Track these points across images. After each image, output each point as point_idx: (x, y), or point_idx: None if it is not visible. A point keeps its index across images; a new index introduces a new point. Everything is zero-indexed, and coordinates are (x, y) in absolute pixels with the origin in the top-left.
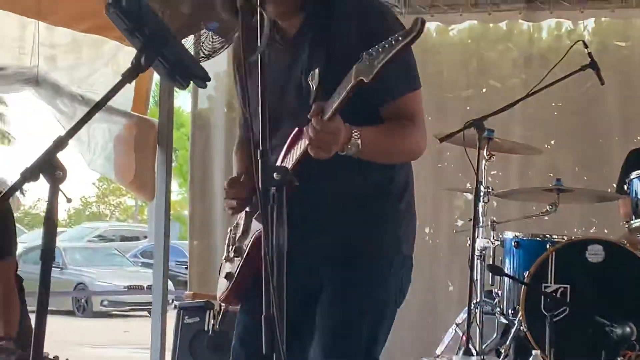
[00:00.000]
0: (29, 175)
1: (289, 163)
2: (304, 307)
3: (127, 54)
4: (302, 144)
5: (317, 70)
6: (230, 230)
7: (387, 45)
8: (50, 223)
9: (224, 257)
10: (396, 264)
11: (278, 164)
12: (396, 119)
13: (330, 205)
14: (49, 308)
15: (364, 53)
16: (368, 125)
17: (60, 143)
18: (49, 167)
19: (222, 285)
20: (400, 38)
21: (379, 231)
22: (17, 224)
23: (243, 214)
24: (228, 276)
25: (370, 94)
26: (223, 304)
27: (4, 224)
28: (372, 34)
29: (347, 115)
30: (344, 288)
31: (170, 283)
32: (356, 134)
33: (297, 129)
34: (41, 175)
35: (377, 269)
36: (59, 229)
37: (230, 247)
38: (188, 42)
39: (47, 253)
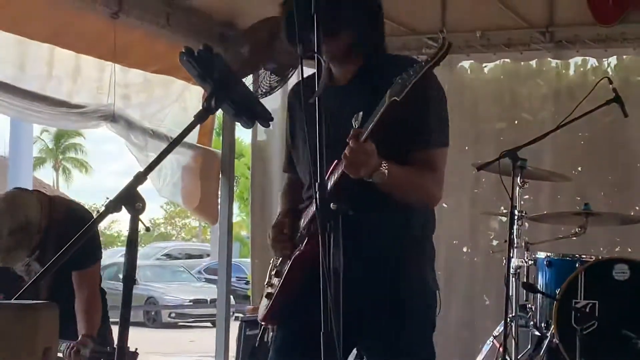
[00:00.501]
0: (113, 206)
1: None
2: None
3: (193, 92)
4: (336, 170)
5: (360, 113)
6: (272, 261)
7: (417, 68)
8: (132, 250)
9: (265, 282)
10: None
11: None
12: (422, 165)
13: (378, 243)
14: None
15: (397, 77)
16: None
17: (140, 178)
18: (130, 199)
19: (263, 305)
20: (428, 59)
21: (420, 269)
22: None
23: None
24: (268, 296)
25: (404, 139)
26: (263, 324)
27: (92, 235)
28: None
29: (380, 155)
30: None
31: (231, 297)
32: (385, 164)
33: (336, 161)
34: (123, 207)
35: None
36: None
37: (272, 271)
38: (247, 81)
39: (129, 277)
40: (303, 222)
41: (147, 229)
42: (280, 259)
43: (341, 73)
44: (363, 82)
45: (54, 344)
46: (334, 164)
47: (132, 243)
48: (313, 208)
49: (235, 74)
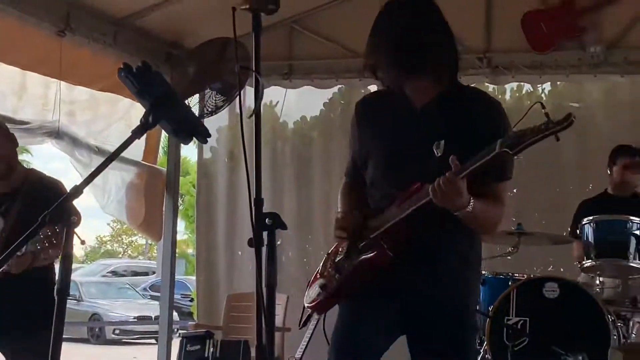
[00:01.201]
0: (48, 220)
1: (407, 206)
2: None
3: (139, 110)
4: (421, 196)
5: (443, 141)
6: (329, 253)
7: (535, 128)
8: (66, 262)
9: (318, 271)
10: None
11: (393, 209)
12: (493, 198)
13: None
14: (66, 336)
15: (511, 133)
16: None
17: (76, 191)
18: (65, 213)
19: (314, 293)
20: (550, 126)
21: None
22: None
23: (345, 245)
24: (323, 287)
25: (483, 172)
26: (309, 310)
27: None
28: (494, 125)
29: None
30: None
31: (175, 314)
32: (471, 203)
33: (418, 184)
34: (58, 220)
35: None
36: (77, 265)
37: (329, 264)
38: (193, 100)
39: (63, 290)
40: (372, 230)
41: (82, 242)
42: (340, 254)
43: (416, 95)
44: (441, 109)
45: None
46: (415, 186)
47: (66, 256)
48: (386, 219)
49: (173, 90)
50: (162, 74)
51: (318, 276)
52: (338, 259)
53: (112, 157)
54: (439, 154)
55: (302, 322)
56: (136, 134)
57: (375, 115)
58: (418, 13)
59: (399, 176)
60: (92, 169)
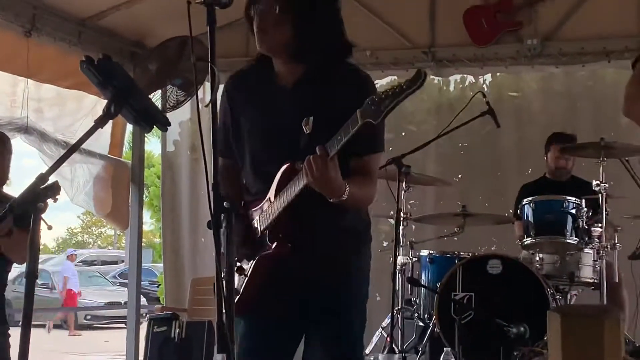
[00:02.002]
0: (17, 206)
1: (288, 194)
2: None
3: (104, 105)
4: (300, 179)
5: (311, 118)
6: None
7: (391, 93)
8: (34, 246)
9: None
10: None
11: (272, 192)
12: (363, 173)
13: (324, 237)
14: (40, 322)
15: (368, 100)
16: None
17: (42, 179)
18: (32, 199)
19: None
20: (404, 87)
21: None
22: None
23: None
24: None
25: (350, 145)
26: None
27: None
28: (359, 97)
29: None
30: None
31: (143, 299)
32: (347, 188)
33: (288, 164)
34: (25, 206)
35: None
36: (48, 255)
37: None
38: (155, 96)
39: (32, 274)
40: (260, 221)
41: (49, 227)
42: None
43: (286, 73)
44: (309, 86)
45: None
46: (286, 167)
47: (34, 241)
48: (268, 206)
49: (134, 81)
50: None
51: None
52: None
53: (76, 145)
54: (308, 131)
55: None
56: (99, 123)
57: (248, 93)
58: None
59: (271, 156)
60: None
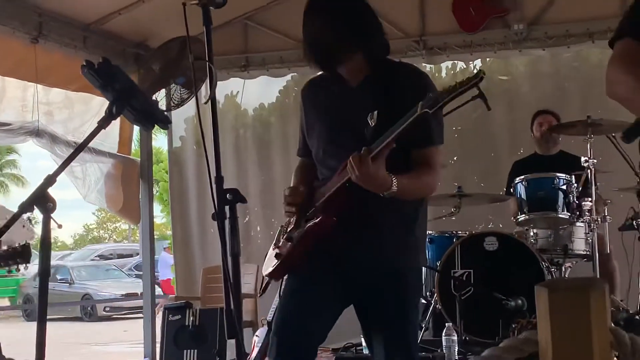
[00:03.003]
0: (26, 207)
1: (342, 178)
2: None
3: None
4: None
5: (375, 112)
6: (282, 226)
7: (451, 88)
8: (45, 245)
9: (273, 243)
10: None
11: (334, 178)
12: (422, 164)
13: (373, 229)
14: (61, 316)
15: (429, 93)
16: (399, 166)
17: (50, 180)
18: (41, 200)
19: (270, 263)
20: (463, 82)
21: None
22: (32, 250)
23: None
24: (277, 256)
25: (410, 139)
26: (267, 278)
27: None
28: (420, 93)
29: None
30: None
31: (158, 289)
32: (395, 182)
33: (355, 153)
34: (35, 207)
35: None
36: (67, 251)
37: (282, 236)
38: (160, 95)
39: (45, 272)
40: (318, 200)
41: (59, 226)
42: (291, 225)
43: (351, 75)
44: (373, 85)
45: None
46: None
47: (45, 240)
48: (328, 188)
49: (133, 82)
50: (129, 72)
51: (273, 247)
52: (289, 229)
53: (82, 146)
54: (373, 124)
55: (262, 290)
56: (102, 124)
57: (317, 96)
58: (335, 8)
59: (339, 149)
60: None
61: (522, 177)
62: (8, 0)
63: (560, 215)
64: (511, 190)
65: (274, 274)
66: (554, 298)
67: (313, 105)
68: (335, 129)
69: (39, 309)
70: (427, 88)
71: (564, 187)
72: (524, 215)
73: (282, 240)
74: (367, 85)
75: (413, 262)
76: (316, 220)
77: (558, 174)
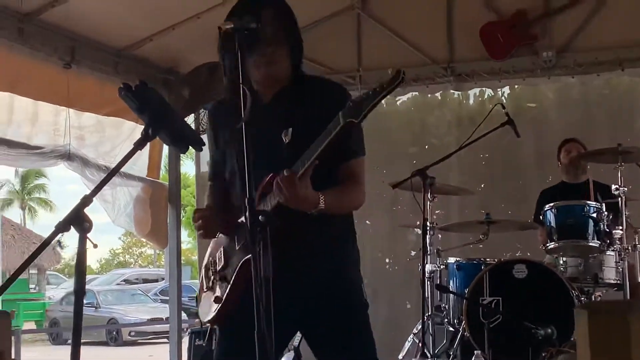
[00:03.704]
0: (62, 227)
1: (267, 206)
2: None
3: (142, 129)
4: (276, 194)
5: (290, 129)
6: (206, 265)
7: (371, 93)
8: (80, 264)
9: (205, 288)
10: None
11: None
12: (347, 178)
13: (304, 252)
14: (87, 340)
15: (348, 102)
16: (323, 182)
17: (86, 201)
18: (77, 220)
19: (210, 309)
20: (384, 86)
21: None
22: (58, 273)
23: (220, 252)
24: (216, 299)
25: (332, 153)
26: (210, 325)
27: None
28: (337, 105)
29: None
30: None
31: (184, 314)
32: (322, 200)
33: (271, 175)
34: (71, 227)
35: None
36: (93, 276)
37: (211, 277)
38: (189, 120)
39: (80, 290)
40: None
41: (95, 246)
42: (221, 264)
43: (263, 91)
44: (286, 100)
45: (7, 349)
46: (269, 178)
47: (81, 259)
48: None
49: (169, 104)
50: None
51: (205, 290)
52: (219, 267)
53: (117, 168)
54: (287, 141)
55: (206, 339)
56: (138, 146)
57: (227, 114)
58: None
59: (255, 171)
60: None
61: (552, 204)
62: (42, 26)
63: (590, 244)
64: (540, 218)
65: (218, 319)
66: (593, 320)
67: (223, 124)
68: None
69: (73, 330)
70: (343, 99)
71: (594, 214)
72: (553, 243)
73: (213, 280)
74: (280, 101)
75: (349, 276)
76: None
77: (588, 202)
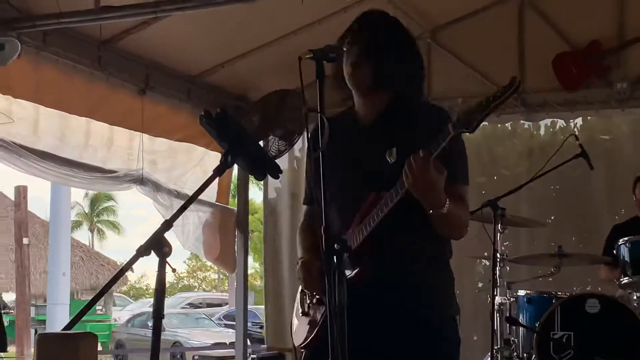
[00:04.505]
0: (144, 251)
1: (370, 223)
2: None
3: (212, 157)
4: (382, 205)
5: (394, 149)
6: (302, 289)
7: (484, 102)
8: (160, 287)
9: (300, 312)
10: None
11: (353, 224)
12: (456, 200)
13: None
14: None
15: (459, 110)
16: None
17: (167, 225)
18: (158, 244)
19: (304, 333)
20: (498, 94)
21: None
22: (124, 295)
23: None
24: (311, 323)
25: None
26: (302, 350)
27: None
28: (442, 124)
29: None
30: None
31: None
32: (448, 202)
33: (374, 194)
34: (152, 252)
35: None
36: None
37: (308, 301)
38: None
39: (159, 311)
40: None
41: (174, 270)
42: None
43: (366, 112)
44: (389, 122)
45: None
46: (372, 198)
47: (161, 282)
48: (354, 233)
49: (247, 132)
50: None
51: (300, 314)
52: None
53: (196, 194)
54: (392, 161)
55: None
56: (217, 172)
57: (330, 137)
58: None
59: (355, 190)
60: (173, 210)
61: (626, 238)
62: (118, 54)
63: None
64: (609, 253)
65: (310, 344)
66: None
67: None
68: (351, 171)
69: (152, 352)
70: (448, 120)
71: None
72: (627, 277)
73: (309, 304)
74: (383, 123)
75: (444, 309)
76: (354, 273)
77: None
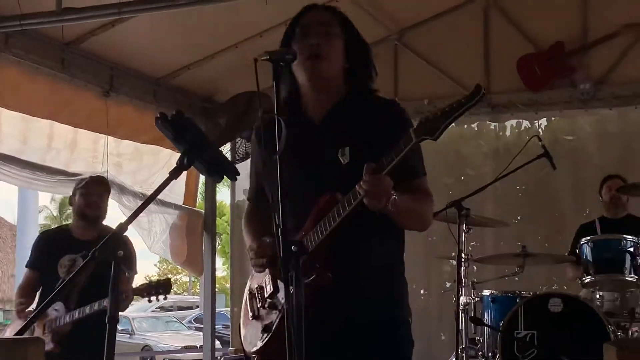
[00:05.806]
0: (98, 254)
1: (325, 227)
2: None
3: (178, 158)
4: (338, 210)
5: (347, 148)
6: (251, 292)
7: (447, 109)
8: (115, 292)
9: (250, 316)
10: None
11: (306, 226)
12: (418, 192)
13: (355, 274)
14: None
15: (422, 118)
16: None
17: (121, 229)
18: (109, 249)
19: (257, 339)
20: (463, 101)
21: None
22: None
23: (268, 278)
24: (265, 329)
25: (402, 171)
26: (257, 356)
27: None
28: (397, 121)
29: None
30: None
31: (218, 343)
32: (394, 194)
33: (327, 195)
34: (104, 256)
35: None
36: None
37: (259, 304)
38: (225, 148)
39: (113, 317)
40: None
41: (127, 273)
42: (270, 290)
43: (314, 108)
44: (340, 119)
45: None
46: (326, 199)
47: (115, 286)
48: (310, 236)
49: (205, 134)
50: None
51: (250, 318)
52: (267, 294)
53: (152, 196)
54: (345, 161)
55: None
56: (173, 174)
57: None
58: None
59: (307, 190)
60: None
61: (589, 237)
62: (82, 56)
63: (627, 278)
64: (576, 252)
65: (266, 350)
66: (621, 356)
67: (272, 145)
68: (302, 170)
69: (106, 356)
70: (402, 115)
71: (631, 249)
72: (589, 277)
73: (259, 308)
74: (333, 120)
75: (400, 310)
76: (311, 279)
77: (625, 236)
